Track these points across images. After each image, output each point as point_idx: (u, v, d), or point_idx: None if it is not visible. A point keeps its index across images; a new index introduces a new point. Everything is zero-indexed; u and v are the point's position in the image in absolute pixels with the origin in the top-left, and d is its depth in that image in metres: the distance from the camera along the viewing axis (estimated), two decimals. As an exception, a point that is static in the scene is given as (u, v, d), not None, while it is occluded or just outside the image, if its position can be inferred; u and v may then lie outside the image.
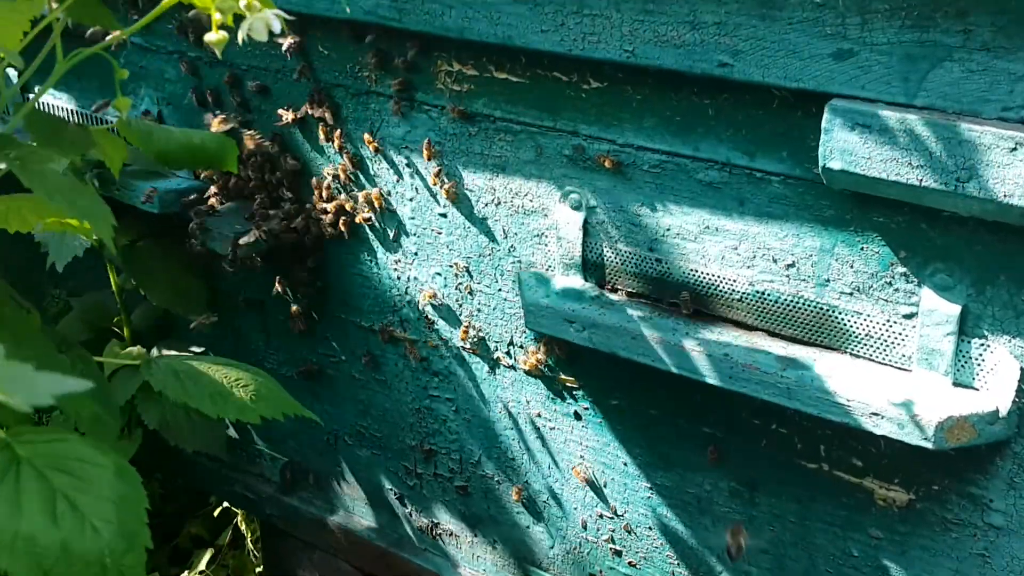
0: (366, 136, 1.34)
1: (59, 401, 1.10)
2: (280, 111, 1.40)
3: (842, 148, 0.96)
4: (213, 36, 0.92)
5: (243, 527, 2.03)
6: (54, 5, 1.01)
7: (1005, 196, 0.90)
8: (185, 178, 1.57)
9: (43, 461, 0.99)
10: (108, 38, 1.06)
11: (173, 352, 1.65)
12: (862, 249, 1.03)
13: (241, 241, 1.43)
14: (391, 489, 1.56)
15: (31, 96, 1.07)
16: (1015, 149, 0.88)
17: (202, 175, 1.56)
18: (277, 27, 0.90)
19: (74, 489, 0.98)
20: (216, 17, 0.91)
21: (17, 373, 0.61)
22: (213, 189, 1.52)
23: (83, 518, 0.97)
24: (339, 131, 1.36)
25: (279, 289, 1.49)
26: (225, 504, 2.03)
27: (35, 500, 0.95)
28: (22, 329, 1.12)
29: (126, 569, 0.97)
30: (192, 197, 1.53)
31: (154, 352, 1.66)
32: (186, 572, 1.98)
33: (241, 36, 0.90)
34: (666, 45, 1.04)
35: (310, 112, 1.37)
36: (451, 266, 1.34)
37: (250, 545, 2.00)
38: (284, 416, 1.29)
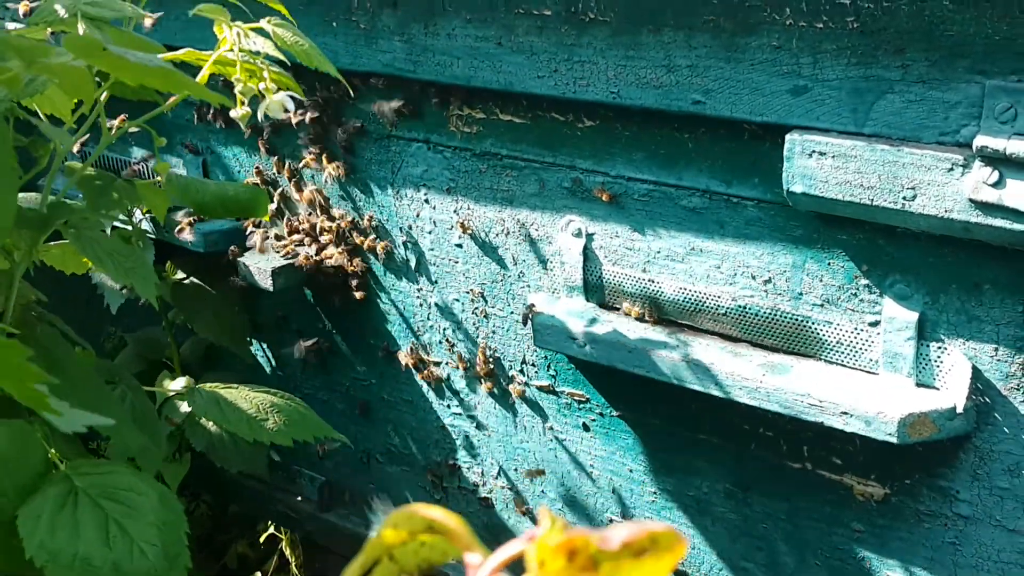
0: (388, 175, 1.48)
1: (112, 434, 1.24)
2: (311, 159, 1.54)
3: (802, 173, 1.07)
4: (238, 112, 1.07)
5: (287, 552, 2.15)
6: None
7: (946, 212, 1.00)
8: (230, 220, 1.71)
9: (97, 491, 1.12)
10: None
11: (216, 382, 1.79)
12: (829, 264, 1.14)
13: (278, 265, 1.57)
14: (420, 503, 1.67)
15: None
16: (951, 169, 0.99)
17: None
18: (291, 106, 1.05)
19: (124, 515, 1.11)
20: (240, 98, 1.06)
21: (59, 407, 0.79)
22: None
23: (132, 541, 1.09)
24: (356, 173, 1.50)
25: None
26: (271, 531, 2.16)
27: (91, 525, 1.08)
28: (73, 366, 1.25)
29: (169, 587, 1.08)
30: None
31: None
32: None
33: (260, 115, 1.05)
34: (646, 86, 1.16)
35: (338, 153, 1.52)
36: (467, 292, 1.46)
37: (295, 569, 2.12)
38: (315, 439, 1.42)
